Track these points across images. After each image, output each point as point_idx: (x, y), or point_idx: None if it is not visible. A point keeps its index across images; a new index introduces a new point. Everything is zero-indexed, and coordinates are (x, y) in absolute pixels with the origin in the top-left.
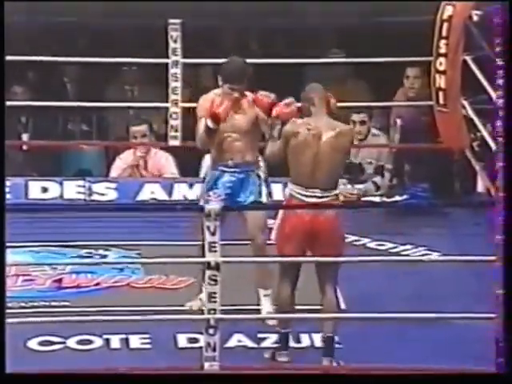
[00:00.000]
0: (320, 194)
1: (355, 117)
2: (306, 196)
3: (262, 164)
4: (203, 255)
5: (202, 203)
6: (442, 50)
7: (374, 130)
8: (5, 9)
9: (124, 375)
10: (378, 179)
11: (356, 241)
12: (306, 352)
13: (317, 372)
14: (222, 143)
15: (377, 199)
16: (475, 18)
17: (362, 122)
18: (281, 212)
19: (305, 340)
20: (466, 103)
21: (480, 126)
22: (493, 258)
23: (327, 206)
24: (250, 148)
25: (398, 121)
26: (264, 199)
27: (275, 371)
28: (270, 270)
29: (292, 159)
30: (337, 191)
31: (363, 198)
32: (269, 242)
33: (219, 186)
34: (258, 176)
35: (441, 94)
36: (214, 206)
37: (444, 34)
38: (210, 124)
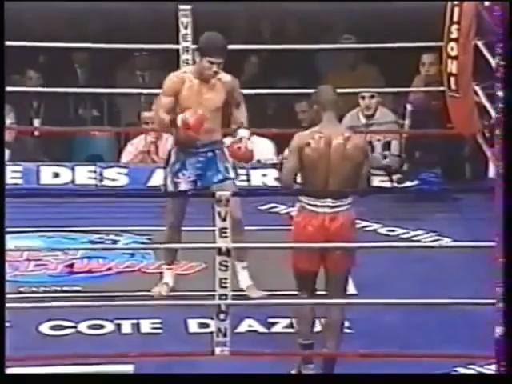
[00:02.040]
0: (332, 204)
1: (364, 92)
2: (317, 206)
3: (226, 141)
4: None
5: (170, 187)
6: (454, 35)
7: (382, 108)
8: None
9: (124, 375)
10: (388, 157)
11: (367, 226)
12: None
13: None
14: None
15: (387, 185)
16: (486, 3)
17: (372, 96)
18: (293, 229)
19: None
20: (477, 89)
21: (492, 112)
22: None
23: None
24: (217, 127)
25: (408, 106)
26: (232, 175)
27: (285, 356)
28: (243, 240)
29: (303, 170)
30: (350, 200)
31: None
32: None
33: (188, 167)
34: (223, 152)
35: (452, 79)
36: (225, 191)
37: (455, 18)
38: (180, 126)
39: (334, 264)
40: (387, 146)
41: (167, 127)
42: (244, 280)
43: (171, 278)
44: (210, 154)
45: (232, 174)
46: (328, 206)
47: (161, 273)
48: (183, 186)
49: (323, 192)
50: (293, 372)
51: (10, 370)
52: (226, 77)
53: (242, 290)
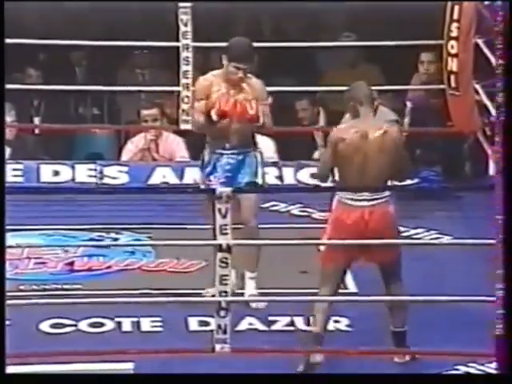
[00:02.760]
0: (369, 197)
1: None
2: (354, 200)
3: (258, 145)
4: (215, 238)
5: (202, 187)
6: (454, 33)
7: (382, 108)
8: None
9: (124, 375)
10: None
11: None
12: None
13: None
14: (220, 126)
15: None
16: (486, 2)
17: None
18: (330, 223)
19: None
20: (478, 87)
21: (492, 110)
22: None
23: (332, 189)
24: (246, 129)
25: (408, 104)
26: (260, 180)
27: (286, 353)
28: (258, 253)
29: (340, 165)
30: (388, 192)
31: None
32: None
33: (218, 169)
34: (255, 157)
35: (452, 77)
36: (225, 188)
37: (455, 16)
38: (215, 118)
39: (378, 256)
40: None
41: (204, 128)
42: (249, 289)
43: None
44: (240, 156)
45: (259, 180)
46: (365, 200)
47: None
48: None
49: (353, 187)
50: (301, 363)
51: (10, 368)
52: (254, 81)
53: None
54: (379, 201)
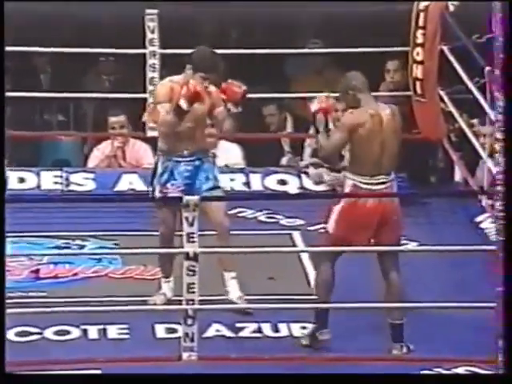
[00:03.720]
0: (385, 180)
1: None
2: (373, 184)
3: (211, 150)
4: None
5: (157, 196)
6: (419, 40)
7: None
8: None
9: (124, 375)
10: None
11: None
12: (284, 341)
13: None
14: (179, 133)
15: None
16: (451, 8)
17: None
18: (343, 202)
19: (283, 329)
20: (443, 93)
21: (457, 116)
22: (471, 248)
23: (322, 196)
24: (203, 135)
25: None
26: (221, 184)
27: (252, 361)
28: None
29: (357, 150)
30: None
31: None
32: None
33: (176, 176)
34: (212, 162)
35: (418, 83)
36: (192, 196)
37: (421, 23)
38: (184, 104)
39: (388, 235)
40: None
41: (170, 126)
42: (233, 291)
43: (169, 289)
44: (197, 162)
45: (221, 183)
46: (383, 183)
47: (159, 282)
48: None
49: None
50: (304, 342)
51: None
52: (211, 88)
53: (232, 302)
54: (392, 182)
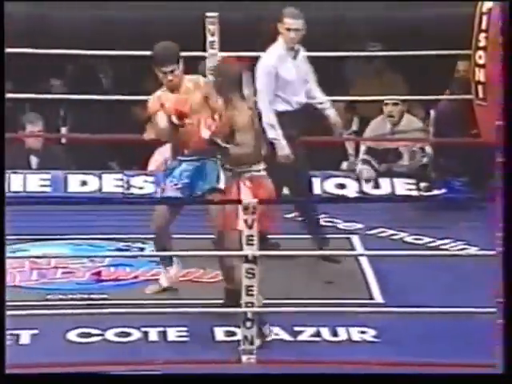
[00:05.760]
0: None
1: (388, 100)
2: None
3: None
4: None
5: (158, 193)
6: (482, 44)
7: (409, 116)
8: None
9: (125, 375)
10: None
11: (393, 235)
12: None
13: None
14: (178, 136)
15: (414, 193)
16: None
17: (395, 104)
18: None
19: (342, 333)
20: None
21: None
22: None
23: (380, 200)
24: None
25: (432, 112)
26: (222, 185)
27: (309, 365)
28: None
29: None
30: None
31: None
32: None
33: (176, 174)
34: (215, 163)
35: (480, 87)
36: (252, 199)
37: (483, 27)
38: (176, 121)
39: None
40: (413, 154)
41: (169, 133)
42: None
43: (165, 280)
44: (198, 162)
45: (221, 184)
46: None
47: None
48: (169, 193)
49: None
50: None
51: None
52: (193, 78)
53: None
54: None
